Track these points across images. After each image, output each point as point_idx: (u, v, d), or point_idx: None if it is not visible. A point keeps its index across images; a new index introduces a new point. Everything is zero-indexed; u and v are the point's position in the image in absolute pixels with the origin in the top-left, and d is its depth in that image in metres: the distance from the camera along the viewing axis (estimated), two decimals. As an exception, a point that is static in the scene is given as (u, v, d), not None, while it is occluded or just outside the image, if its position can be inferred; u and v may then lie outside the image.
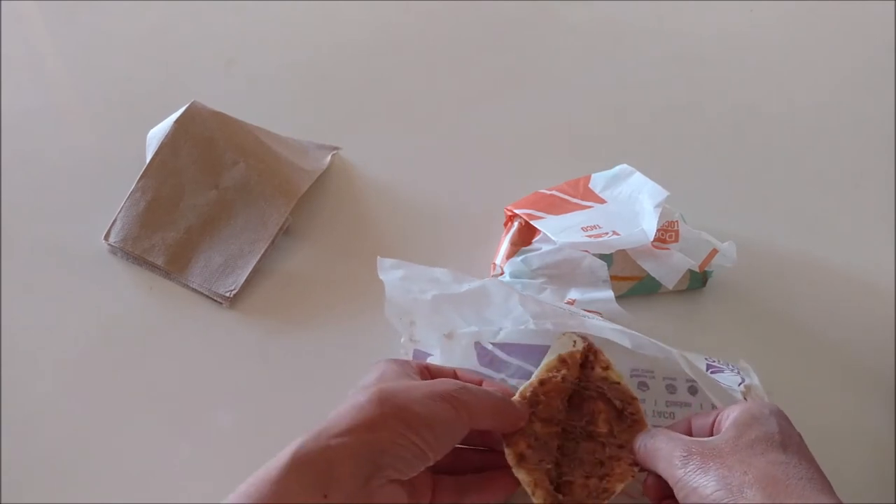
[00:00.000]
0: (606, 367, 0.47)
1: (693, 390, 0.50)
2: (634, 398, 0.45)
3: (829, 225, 0.66)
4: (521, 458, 0.43)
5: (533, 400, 0.44)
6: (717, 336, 0.57)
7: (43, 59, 0.86)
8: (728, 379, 0.47)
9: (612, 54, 0.84)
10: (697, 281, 0.59)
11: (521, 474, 0.42)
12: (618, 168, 0.61)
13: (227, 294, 0.59)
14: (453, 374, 0.47)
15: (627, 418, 0.44)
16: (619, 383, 0.46)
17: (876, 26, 0.87)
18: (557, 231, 0.55)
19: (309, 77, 0.81)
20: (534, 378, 0.46)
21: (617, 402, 0.45)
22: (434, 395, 0.39)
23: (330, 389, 0.51)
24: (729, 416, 0.40)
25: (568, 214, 0.58)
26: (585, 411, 0.45)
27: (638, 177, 0.60)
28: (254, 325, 0.58)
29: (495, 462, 0.44)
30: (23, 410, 0.53)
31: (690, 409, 0.49)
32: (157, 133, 0.65)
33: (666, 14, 0.90)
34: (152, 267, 0.61)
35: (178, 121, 0.63)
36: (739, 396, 0.46)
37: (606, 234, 0.55)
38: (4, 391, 0.54)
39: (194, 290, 0.60)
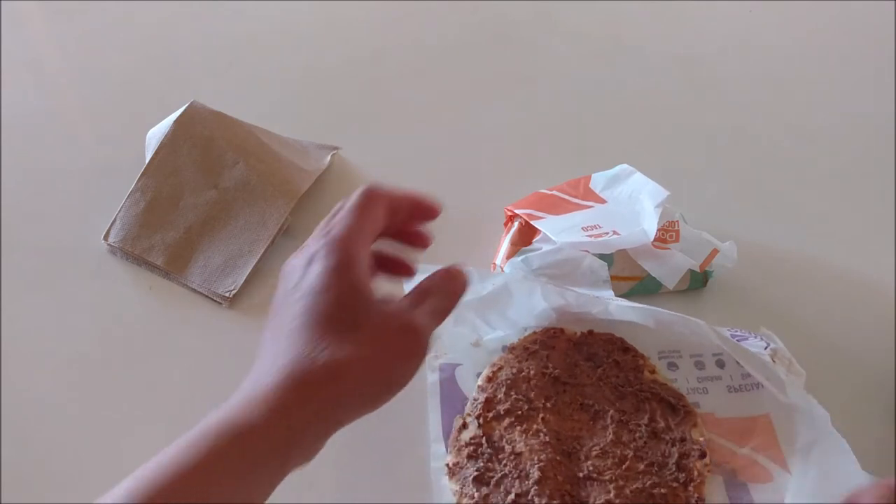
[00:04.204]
0: (654, 371, 0.51)
1: (721, 363, 0.52)
2: (683, 395, 0.49)
3: (829, 225, 0.66)
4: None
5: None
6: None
7: (43, 59, 0.86)
8: (753, 345, 0.49)
9: (613, 54, 0.84)
10: (698, 281, 0.59)
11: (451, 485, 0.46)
12: (618, 168, 0.61)
13: (227, 294, 0.59)
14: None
15: (680, 410, 0.48)
16: (666, 384, 0.50)
17: (876, 26, 0.87)
18: (557, 231, 0.55)
19: (309, 77, 0.81)
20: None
21: (671, 399, 0.49)
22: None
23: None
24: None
25: (568, 214, 0.58)
26: (643, 409, 0.48)
27: (638, 177, 0.59)
28: (253, 325, 0.58)
29: None
30: (23, 410, 0.53)
31: (721, 381, 0.51)
32: (157, 133, 0.65)
33: (665, 14, 0.90)
34: (152, 267, 0.61)
35: (177, 120, 0.63)
36: (768, 359, 0.47)
37: (607, 233, 0.55)
38: (4, 391, 0.54)
39: (194, 290, 0.60)
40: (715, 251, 0.56)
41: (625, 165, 0.61)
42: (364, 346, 0.36)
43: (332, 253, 0.37)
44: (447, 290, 0.40)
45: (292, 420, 0.34)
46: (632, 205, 0.58)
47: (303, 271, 0.38)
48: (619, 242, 0.55)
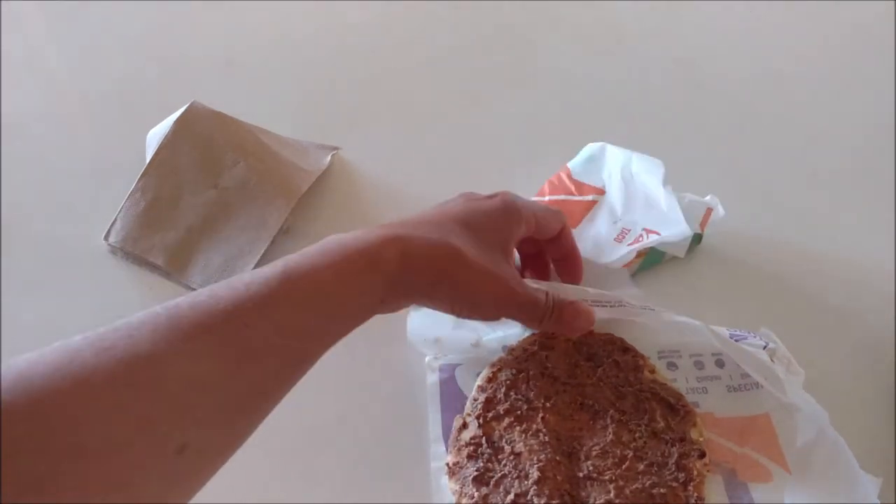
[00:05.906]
0: (653, 371, 0.51)
1: (720, 363, 0.52)
2: (682, 395, 0.49)
3: (830, 222, 0.65)
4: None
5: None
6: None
7: (43, 59, 0.86)
8: (752, 345, 0.49)
9: (613, 54, 0.84)
10: (696, 240, 0.59)
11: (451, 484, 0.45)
12: (588, 150, 0.60)
13: (227, 294, 0.59)
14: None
15: (680, 410, 0.48)
16: (666, 384, 0.50)
17: (876, 24, 0.87)
18: (598, 254, 0.55)
19: (309, 77, 0.81)
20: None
21: (671, 399, 0.48)
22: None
23: (330, 389, 0.51)
24: None
25: (583, 225, 0.58)
26: (643, 409, 0.48)
27: (613, 150, 0.59)
28: (254, 325, 0.58)
29: None
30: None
31: (720, 381, 0.51)
32: (157, 133, 0.65)
33: (664, 13, 0.90)
34: (152, 267, 0.61)
35: (178, 121, 0.63)
36: (766, 358, 0.47)
37: (641, 236, 0.55)
38: (4, 391, 0.54)
39: (194, 290, 0.60)
40: (710, 210, 0.57)
41: (592, 144, 0.60)
42: (486, 262, 0.44)
43: (513, 201, 0.48)
44: (563, 314, 0.47)
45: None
46: (633, 186, 0.58)
47: (484, 197, 0.48)
48: (665, 247, 0.56)
